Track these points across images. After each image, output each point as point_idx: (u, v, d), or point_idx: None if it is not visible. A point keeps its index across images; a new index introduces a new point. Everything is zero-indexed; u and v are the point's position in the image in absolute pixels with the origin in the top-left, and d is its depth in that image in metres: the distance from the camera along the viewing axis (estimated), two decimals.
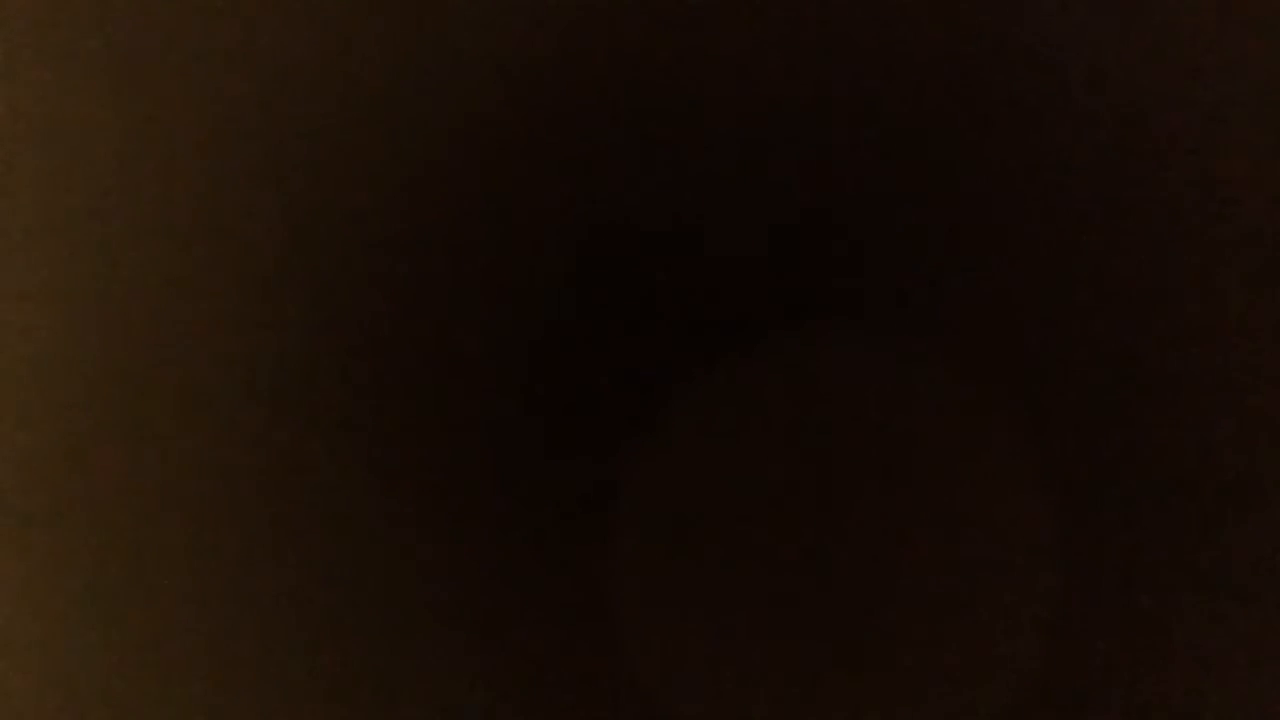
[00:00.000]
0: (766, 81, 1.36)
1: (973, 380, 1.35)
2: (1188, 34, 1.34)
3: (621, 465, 1.36)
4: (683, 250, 1.36)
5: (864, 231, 1.36)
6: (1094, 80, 1.34)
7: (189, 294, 1.35)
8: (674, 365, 1.37)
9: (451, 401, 1.35)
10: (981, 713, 1.34)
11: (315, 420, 1.35)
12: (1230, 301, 1.33)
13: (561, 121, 1.36)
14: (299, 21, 1.35)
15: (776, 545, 1.35)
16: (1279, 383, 1.33)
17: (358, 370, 1.35)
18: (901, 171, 1.36)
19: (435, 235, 1.36)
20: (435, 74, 1.36)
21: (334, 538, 1.35)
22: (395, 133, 1.36)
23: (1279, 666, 1.32)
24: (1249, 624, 1.32)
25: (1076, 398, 1.34)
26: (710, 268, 1.36)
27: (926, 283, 1.36)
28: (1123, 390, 1.34)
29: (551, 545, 1.35)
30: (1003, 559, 1.35)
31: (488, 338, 1.36)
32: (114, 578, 1.34)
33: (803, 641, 1.35)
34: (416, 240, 1.36)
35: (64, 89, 1.35)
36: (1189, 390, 1.33)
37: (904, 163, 1.35)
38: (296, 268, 1.35)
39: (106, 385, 1.35)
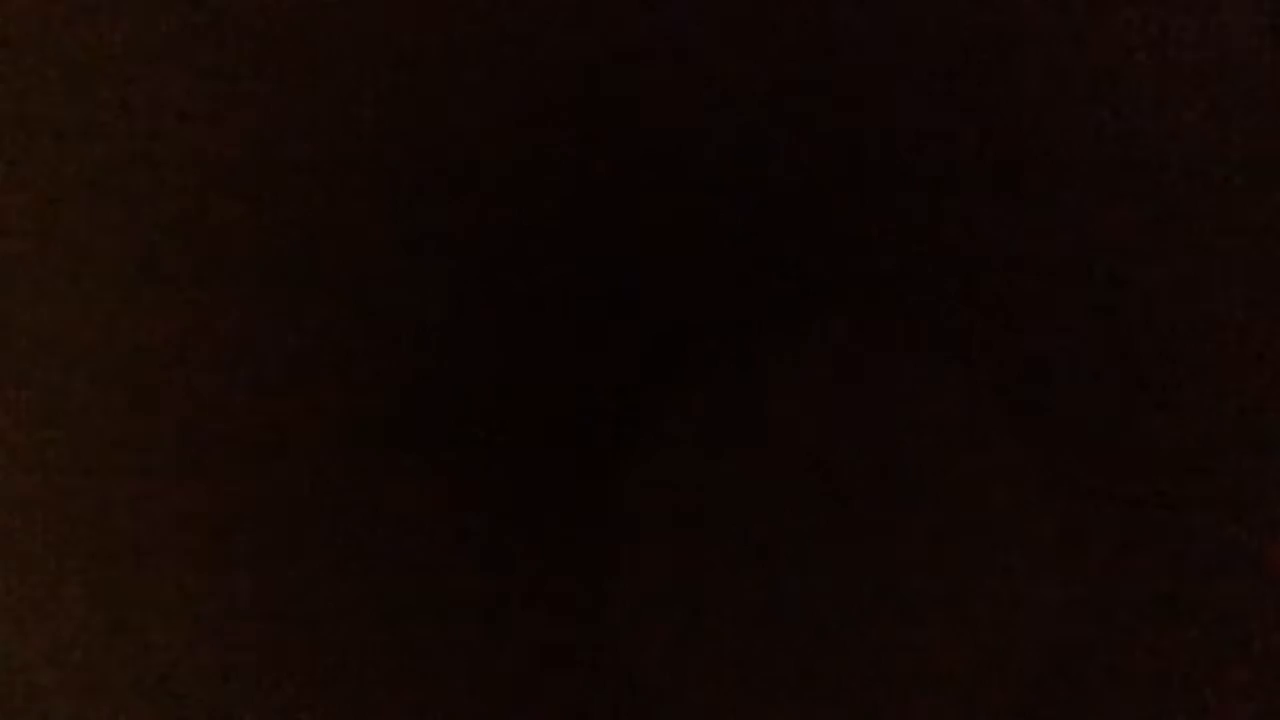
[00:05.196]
0: (765, 81, 1.36)
1: (973, 380, 1.35)
2: (1188, 34, 1.34)
3: (621, 465, 1.36)
4: (682, 250, 1.36)
5: (864, 231, 1.36)
6: (1094, 79, 1.34)
7: (189, 294, 1.35)
8: (673, 365, 1.37)
9: (450, 401, 1.35)
10: (981, 713, 1.34)
11: (313, 420, 1.35)
12: (1230, 302, 1.33)
13: (557, 120, 1.36)
14: (301, 20, 1.35)
15: (776, 545, 1.35)
16: (1279, 383, 1.33)
17: (356, 371, 1.35)
18: (900, 171, 1.36)
19: (434, 236, 1.36)
20: (435, 73, 1.36)
21: (331, 538, 1.35)
22: (395, 133, 1.36)
23: (1279, 667, 1.32)
24: (1249, 624, 1.32)
25: (1076, 397, 1.34)
26: (710, 267, 1.36)
27: (926, 283, 1.36)
28: (1123, 390, 1.34)
29: (551, 545, 1.35)
30: (1003, 559, 1.35)
31: (486, 338, 1.36)
32: (113, 577, 1.34)
33: (802, 641, 1.35)
34: (415, 241, 1.36)
35: (63, 87, 1.35)
36: (1189, 390, 1.33)
37: (903, 162, 1.36)
38: (295, 266, 1.35)
39: (106, 383, 1.35)
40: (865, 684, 1.34)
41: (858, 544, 1.35)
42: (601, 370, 1.36)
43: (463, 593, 1.35)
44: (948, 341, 1.35)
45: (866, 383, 1.36)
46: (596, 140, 1.36)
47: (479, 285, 1.36)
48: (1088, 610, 1.33)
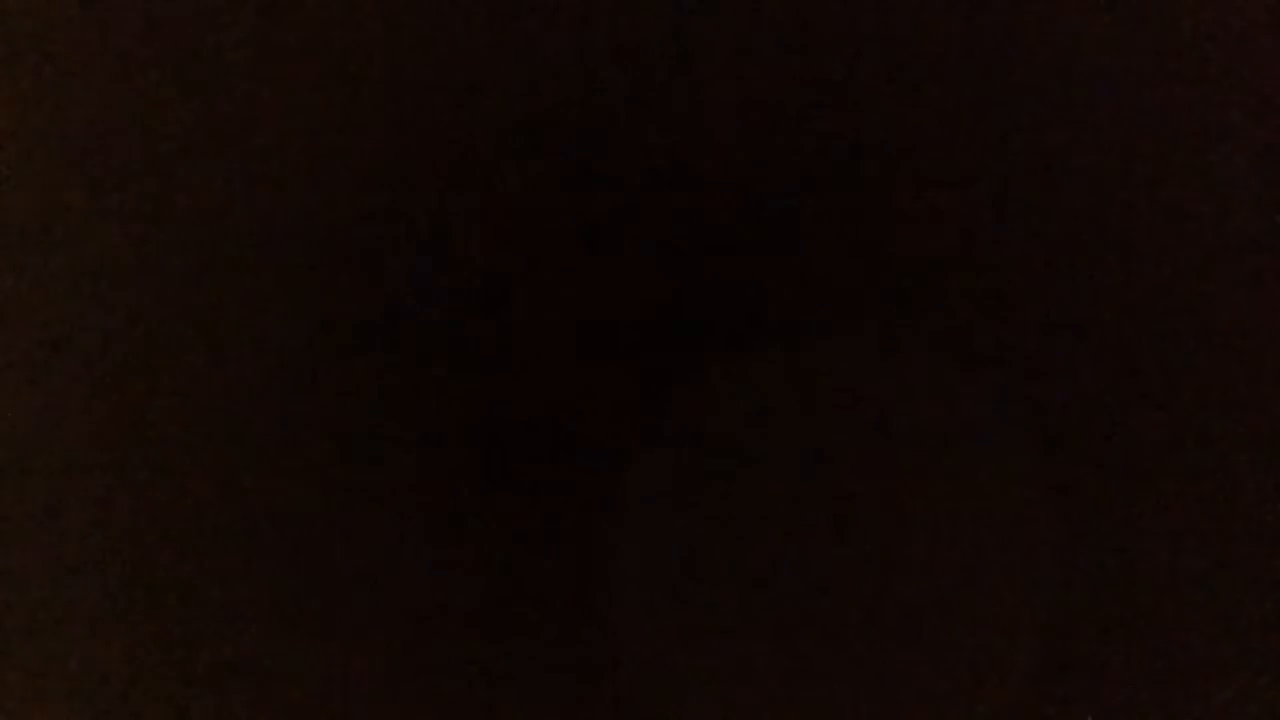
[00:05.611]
0: (764, 79, 1.36)
1: (973, 380, 1.35)
2: (1189, 33, 1.34)
3: (621, 465, 1.36)
4: (682, 250, 1.36)
5: (863, 232, 1.36)
6: (1094, 79, 1.34)
7: (189, 293, 1.35)
8: (673, 365, 1.36)
9: (450, 401, 1.35)
10: (982, 713, 1.34)
11: (313, 420, 1.35)
12: (1231, 301, 1.33)
13: (558, 120, 1.36)
14: (301, 20, 1.35)
15: (776, 546, 1.35)
16: (1279, 383, 1.33)
17: (356, 370, 1.35)
18: (900, 171, 1.36)
19: (435, 236, 1.36)
20: (435, 72, 1.36)
21: (331, 537, 1.35)
22: (395, 133, 1.36)
23: (1279, 666, 1.32)
24: (1249, 624, 1.32)
25: (1076, 397, 1.34)
26: (709, 268, 1.36)
27: (925, 283, 1.36)
28: (1123, 390, 1.34)
29: (551, 545, 1.35)
30: (1003, 559, 1.34)
31: (486, 337, 1.36)
32: (111, 575, 1.34)
33: (802, 642, 1.35)
34: (415, 240, 1.36)
35: (63, 86, 1.35)
36: (1189, 390, 1.33)
37: (903, 162, 1.35)
38: (295, 266, 1.35)
39: (107, 382, 1.35)
40: (865, 684, 1.34)
41: (857, 544, 1.35)
42: (601, 371, 1.36)
43: (461, 593, 1.35)
44: (949, 342, 1.35)
45: (866, 382, 1.36)
46: (596, 141, 1.36)
47: (478, 285, 1.36)
48: (1088, 611, 1.33)
